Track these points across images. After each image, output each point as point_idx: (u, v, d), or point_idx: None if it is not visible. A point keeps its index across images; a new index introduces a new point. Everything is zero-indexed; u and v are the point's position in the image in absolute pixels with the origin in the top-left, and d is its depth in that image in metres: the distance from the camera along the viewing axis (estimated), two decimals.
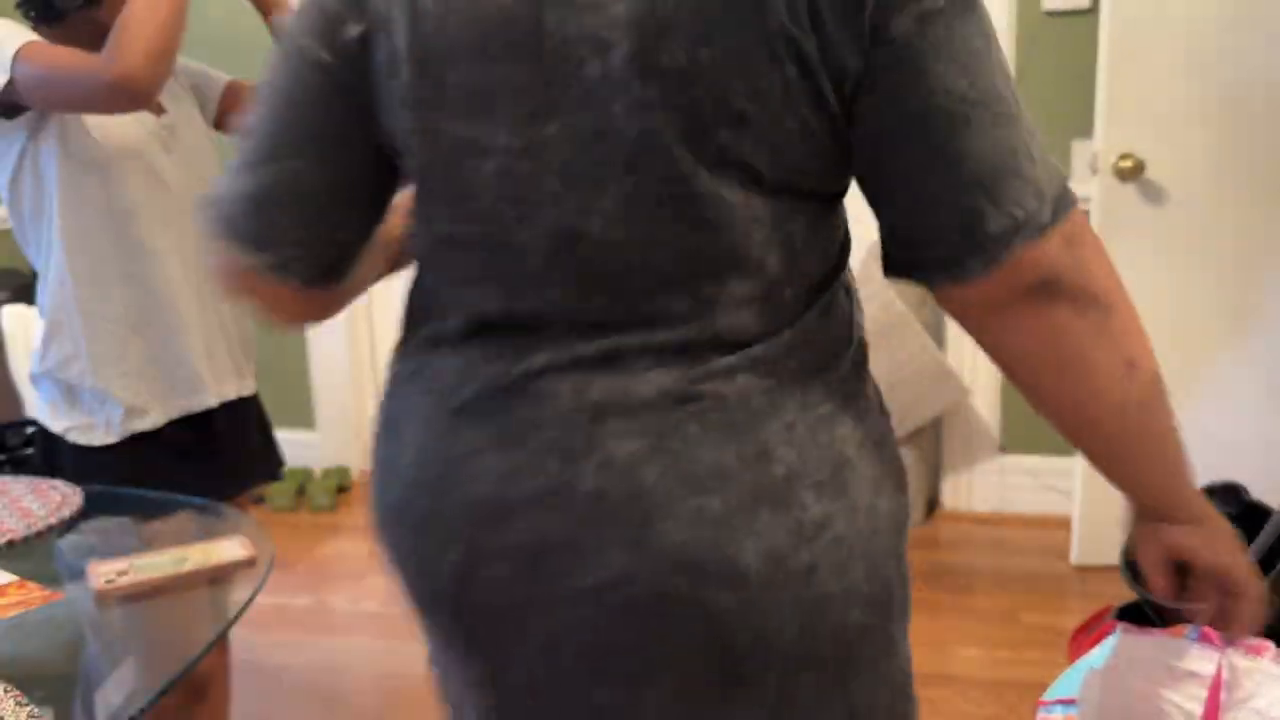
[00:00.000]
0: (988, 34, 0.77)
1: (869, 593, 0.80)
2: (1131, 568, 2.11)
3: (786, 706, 0.79)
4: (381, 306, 3.58)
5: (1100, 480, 2.89)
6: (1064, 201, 0.76)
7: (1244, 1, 2.41)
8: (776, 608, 0.75)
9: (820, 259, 0.83)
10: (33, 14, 1.50)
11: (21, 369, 2.48)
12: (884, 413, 0.91)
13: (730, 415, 0.76)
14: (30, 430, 2.11)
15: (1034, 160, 0.75)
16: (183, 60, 1.69)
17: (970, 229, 0.74)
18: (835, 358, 0.83)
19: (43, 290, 1.55)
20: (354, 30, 0.79)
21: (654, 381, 0.76)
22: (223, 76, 1.74)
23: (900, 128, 0.73)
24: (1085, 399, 0.82)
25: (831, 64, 0.72)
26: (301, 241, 0.85)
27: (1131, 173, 2.49)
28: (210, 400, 1.58)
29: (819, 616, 0.77)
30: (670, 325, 0.76)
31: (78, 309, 1.50)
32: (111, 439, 1.50)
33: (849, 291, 0.90)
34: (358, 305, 3.50)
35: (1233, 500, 2.05)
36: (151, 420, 1.53)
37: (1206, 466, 2.86)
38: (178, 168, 1.54)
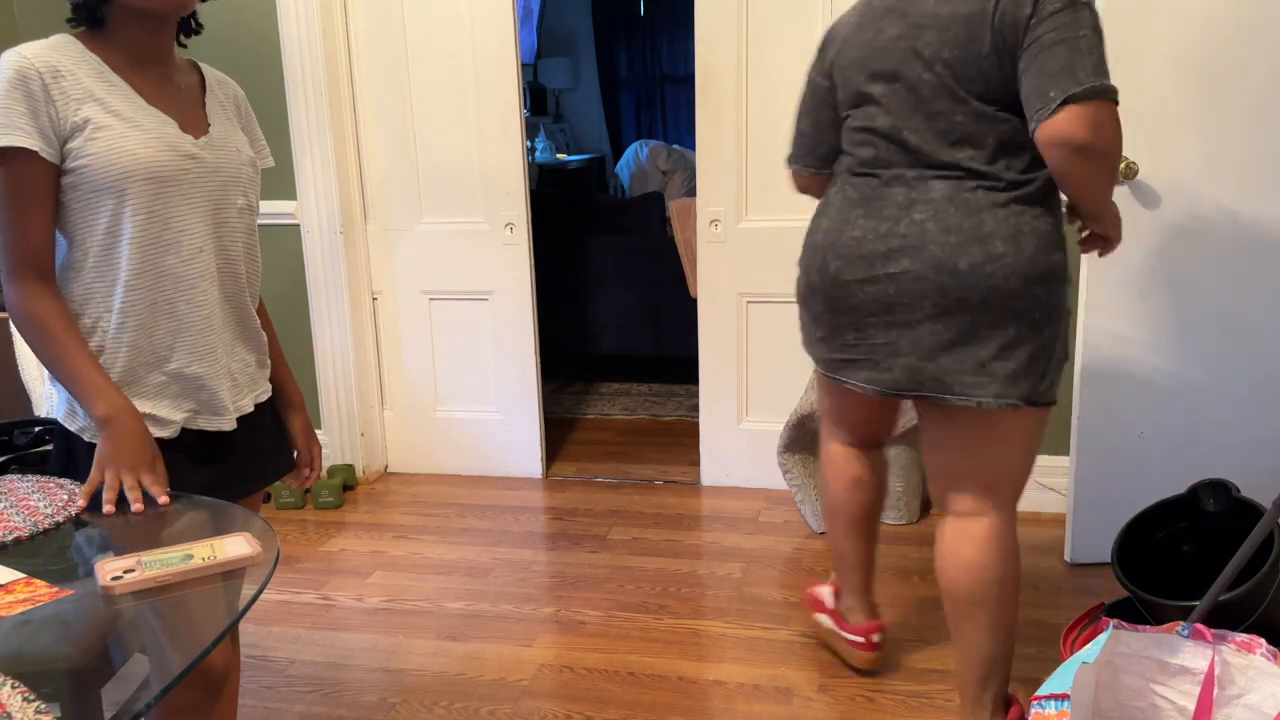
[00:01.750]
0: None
1: (1020, 287, 1.74)
2: (1124, 565, 2.14)
3: (977, 327, 1.76)
4: (385, 309, 3.60)
5: (1093, 479, 2.96)
6: (1089, 94, 1.62)
7: (1237, 5, 2.42)
8: (974, 287, 1.74)
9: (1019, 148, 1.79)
10: (80, 24, 1.47)
11: (30, 367, 2.50)
12: (1054, 216, 1.80)
13: (970, 206, 1.76)
14: (38, 429, 2.13)
15: (1084, 70, 1.62)
16: (248, 106, 1.68)
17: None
18: (1026, 191, 1.77)
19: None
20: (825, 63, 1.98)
21: (938, 189, 1.78)
22: (267, 160, 1.71)
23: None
24: (1086, 197, 1.75)
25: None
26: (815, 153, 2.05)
27: (1125, 175, 2.51)
28: (227, 425, 1.57)
29: (993, 292, 1.74)
30: (949, 166, 1.78)
31: (108, 336, 1.48)
32: None
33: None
34: (362, 308, 3.52)
35: (1223, 497, 2.07)
36: (170, 432, 1.53)
37: (1198, 464, 2.90)
38: (212, 191, 1.52)
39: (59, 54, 1.42)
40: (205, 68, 1.62)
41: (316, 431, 3.62)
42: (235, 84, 1.66)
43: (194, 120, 1.53)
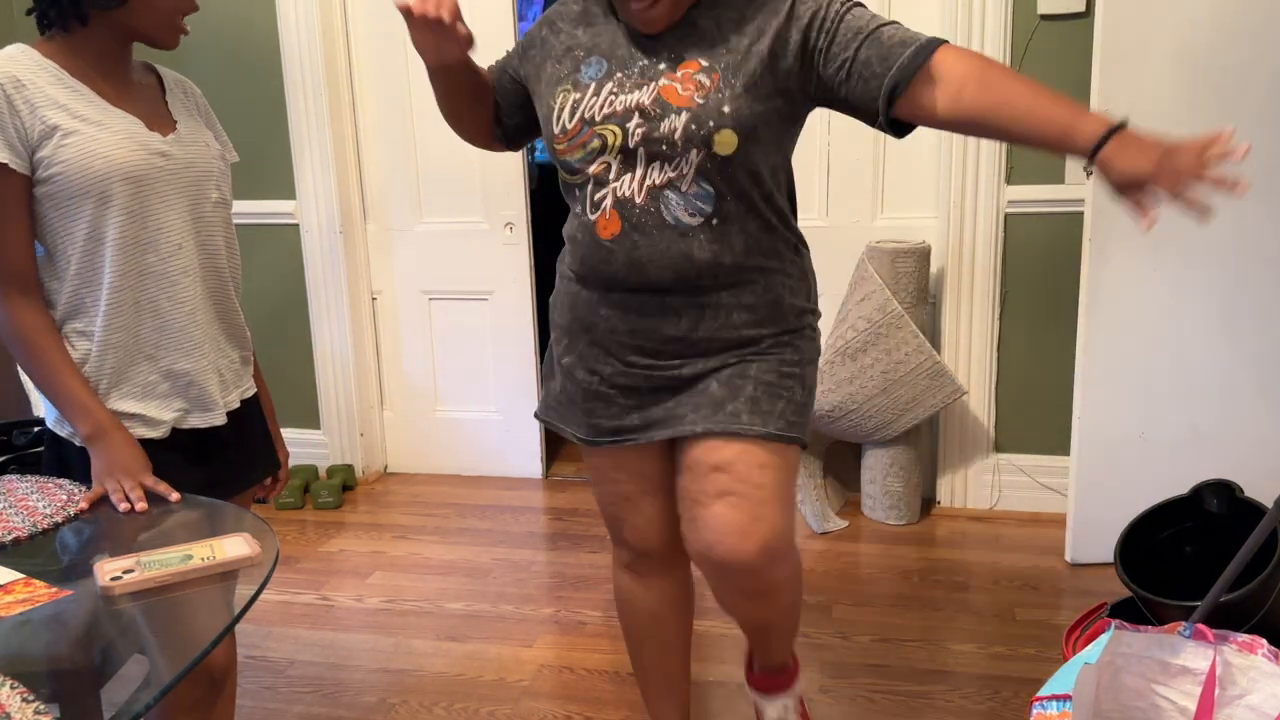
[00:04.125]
0: None
1: None
2: (1127, 564, 2.14)
3: None
4: (384, 309, 3.60)
5: (1094, 479, 2.95)
6: None
7: (1237, 5, 2.42)
8: None
9: None
10: (50, 21, 1.47)
11: None
12: None
13: None
14: (37, 430, 2.13)
15: None
16: (206, 103, 1.67)
17: None
18: None
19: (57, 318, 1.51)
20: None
21: None
22: (231, 155, 1.70)
23: None
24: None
25: None
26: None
27: None
28: (218, 420, 1.58)
29: None
30: None
31: (94, 339, 1.48)
32: None
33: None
34: (362, 308, 3.51)
35: (1226, 498, 2.07)
36: (160, 432, 1.53)
37: (1201, 465, 2.89)
38: (186, 187, 1.53)
39: (16, 65, 1.42)
40: (160, 69, 1.62)
41: (316, 432, 3.63)
42: (190, 82, 1.67)
43: (159, 118, 1.53)
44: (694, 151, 1.49)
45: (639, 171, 1.52)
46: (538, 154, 7.54)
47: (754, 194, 1.55)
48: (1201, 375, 2.62)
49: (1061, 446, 3.09)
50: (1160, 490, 2.33)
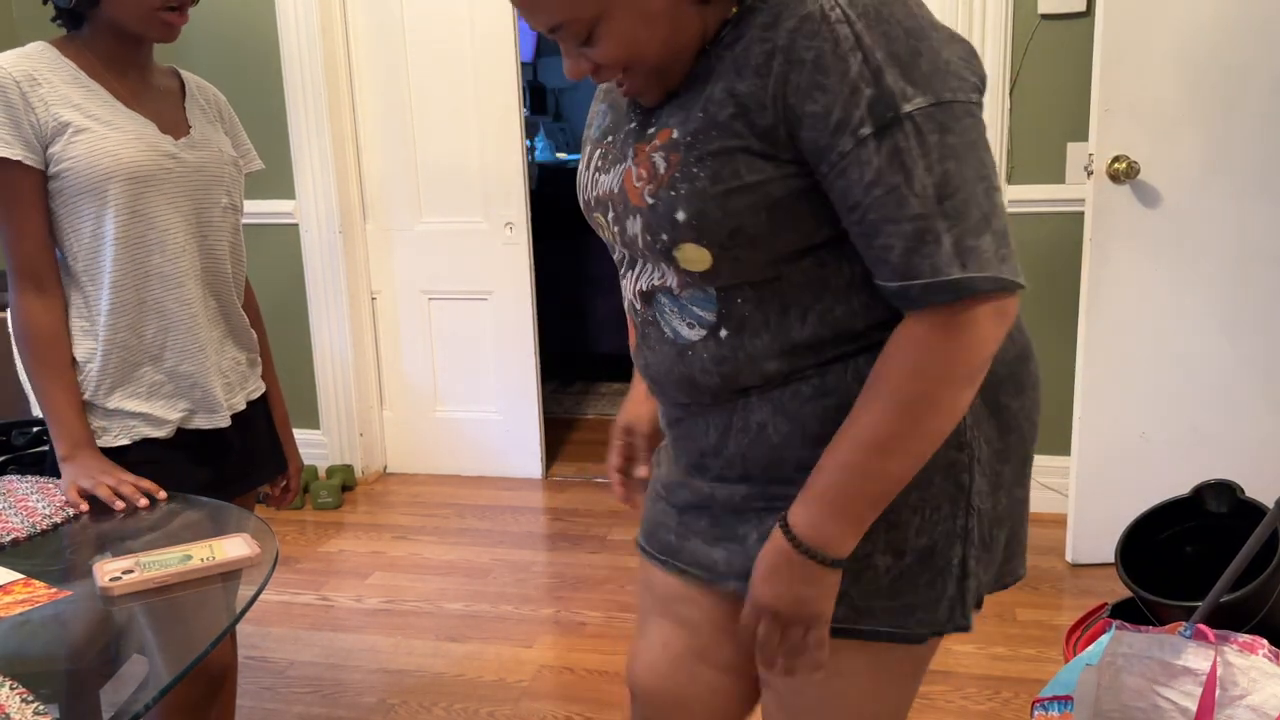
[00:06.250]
0: None
1: None
2: (1127, 565, 2.13)
3: None
4: (384, 309, 3.60)
5: (1094, 479, 2.95)
6: None
7: (1238, 4, 2.42)
8: None
9: None
10: (59, 22, 1.49)
11: None
12: None
13: None
14: (37, 430, 2.12)
15: None
16: (231, 111, 1.68)
17: None
18: None
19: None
20: None
21: None
22: (254, 163, 1.72)
23: None
24: None
25: None
26: None
27: (1126, 175, 2.50)
28: (223, 421, 1.58)
29: None
30: None
31: (98, 339, 1.48)
32: (124, 441, 1.51)
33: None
34: (361, 308, 3.51)
35: (1227, 499, 2.07)
36: (165, 431, 1.53)
37: (1202, 465, 2.89)
38: (195, 191, 1.53)
39: (33, 61, 1.43)
40: (185, 74, 1.63)
41: (315, 432, 3.62)
42: (216, 89, 1.68)
43: (174, 121, 1.54)
44: (663, 264, 1.06)
45: (635, 269, 1.13)
46: (538, 154, 7.55)
47: (793, 288, 1.02)
48: (1202, 375, 2.62)
49: (1061, 446, 3.08)
50: (1160, 490, 2.33)
